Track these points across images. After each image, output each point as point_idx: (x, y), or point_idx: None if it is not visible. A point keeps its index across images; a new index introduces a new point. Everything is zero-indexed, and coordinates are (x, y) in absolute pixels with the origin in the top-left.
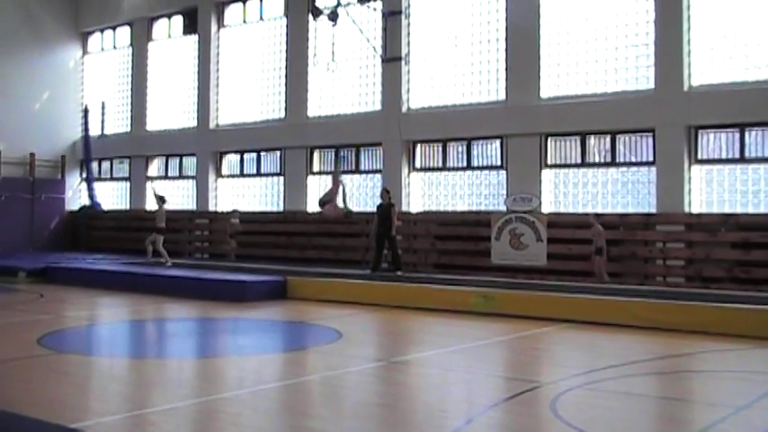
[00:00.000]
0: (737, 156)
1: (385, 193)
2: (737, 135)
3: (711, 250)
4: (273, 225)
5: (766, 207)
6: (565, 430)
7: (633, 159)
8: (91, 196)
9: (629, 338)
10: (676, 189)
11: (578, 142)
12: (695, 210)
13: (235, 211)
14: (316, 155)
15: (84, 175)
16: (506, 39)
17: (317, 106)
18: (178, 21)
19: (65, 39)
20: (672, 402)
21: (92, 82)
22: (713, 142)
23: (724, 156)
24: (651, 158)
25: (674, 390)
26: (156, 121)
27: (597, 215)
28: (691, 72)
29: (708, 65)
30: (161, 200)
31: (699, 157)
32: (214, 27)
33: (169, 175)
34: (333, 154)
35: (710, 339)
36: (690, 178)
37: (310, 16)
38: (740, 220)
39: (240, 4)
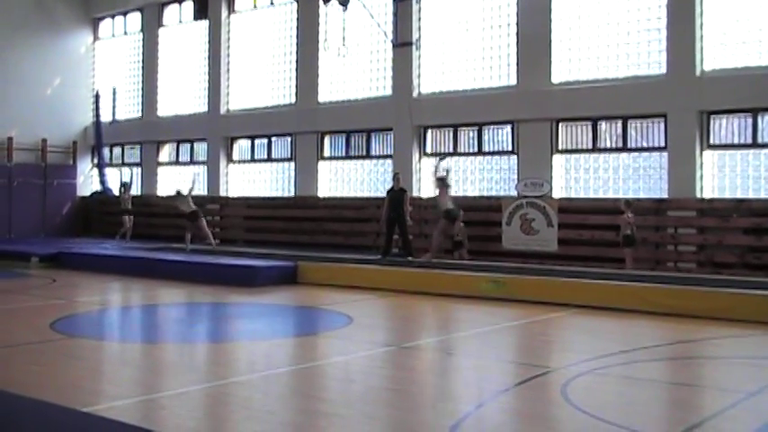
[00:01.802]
0: (750, 141)
1: (397, 178)
2: (750, 120)
3: (723, 236)
4: (284, 210)
5: None
6: (575, 415)
7: (645, 145)
8: (102, 182)
9: (640, 324)
10: (688, 174)
11: (590, 127)
12: (707, 195)
13: (126, 184)
14: (326, 140)
15: (96, 161)
16: (517, 23)
17: (328, 91)
18: (189, 6)
19: (76, 25)
20: (682, 388)
21: (103, 68)
22: (725, 127)
23: (736, 141)
24: (663, 144)
25: (685, 375)
26: (167, 107)
27: (628, 202)
28: (703, 57)
29: (720, 49)
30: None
31: (711, 142)
32: (225, 12)
33: (180, 160)
34: (343, 140)
35: (722, 325)
36: (702, 164)
37: (321, 1)
38: (752, 206)
39: None
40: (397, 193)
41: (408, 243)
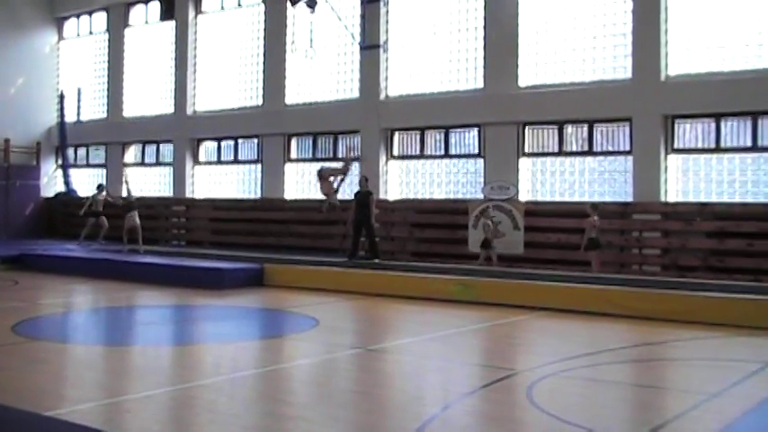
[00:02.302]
0: (713, 145)
1: (363, 180)
2: (713, 125)
3: (687, 239)
4: (250, 212)
5: (741, 196)
6: (540, 417)
7: (610, 148)
8: (66, 183)
9: (606, 326)
10: (653, 178)
11: (556, 131)
12: (671, 199)
13: (101, 186)
14: (293, 142)
15: (60, 162)
16: (485, 27)
17: (295, 93)
18: (155, 6)
19: (40, 24)
20: (646, 390)
21: (68, 68)
22: (689, 132)
23: (700, 145)
24: (628, 147)
25: (649, 377)
26: (132, 108)
27: (594, 205)
28: (668, 62)
29: (684, 55)
30: None
31: (675, 146)
32: (192, 13)
33: (146, 161)
34: (310, 142)
35: (685, 327)
36: (666, 167)
37: (288, 3)
38: (715, 210)
39: None
40: (365, 196)
41: (375, 245)
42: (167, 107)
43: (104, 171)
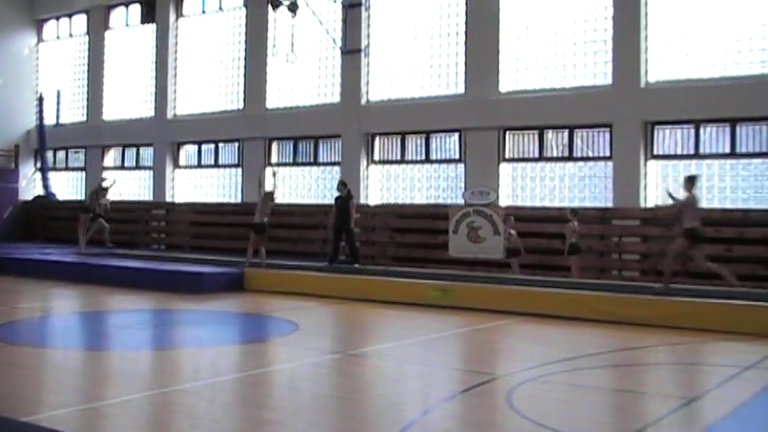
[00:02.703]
0: (692, 151)
1: (342, 185)
2: (693, 131)
3: (666, 245)
4: (231, 216)
5: (720, 202)
6: (520, 422)
7: (590, 154)
8: (45, 186)
9: (585, 331)
10: (632, 184)
11: (536, 136)
12: (651, 204)
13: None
14: (274, 146)
15: (39, 165)
16: (466, 32)
17: (276, 98)
18: (136, 9)
19: (19, 26)
20: (625, 394)
21: (47, 70)
22: (669, 138)
23: (679, 151)
24: (608, 153)
25: (628, 382)
26: (112, 111)
27: (574, 211)
28: (648, 68)
29: (664, 61)
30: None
31: (655, 152)
32: (172, 16)
33: (126, 165)
34: (291, 146)
35: (664, 333)
36: (646, 173)
37: (270, 7)
38: None
39: None
40: (345, 201)
41: (355, 250)
42: (148, 110)
43: (83, 174)
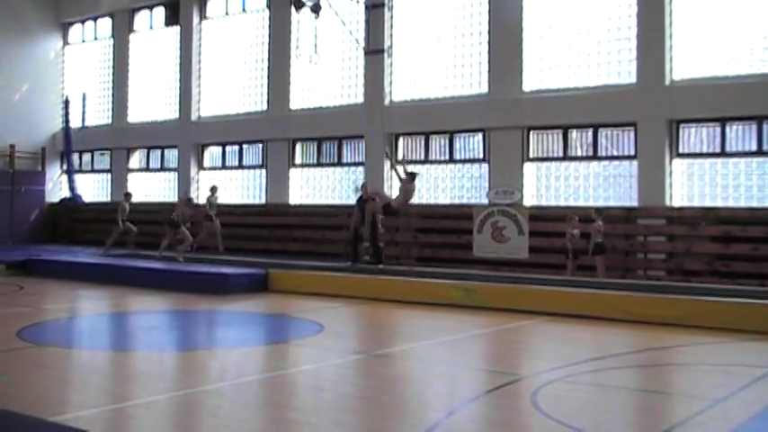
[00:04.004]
0: (718, 150)
1: (363, 187)
2: (718, 129)
3: (692, 244)
4: (255, 218)
5: (746, 201)
6: (545, 423)
7: (615, 153)
8: (71, 188)
9: (610, 331)
10: (657, 183)
11: (560, 136)
12: (676, 203)
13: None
14: (298, 147)
15: (65, 167)
16: (489, 32)
17: (300, 99)
18: (160, 12)
19: (45, 30)
20: (651, 395)
21: (72, 73)
22: (694, 136)
23: (705, 150)
24: (633, 152)
25: (654, 382)
26: (137, 113)
27: (599, 210)
28: (672, 66)
29: (689, 59)
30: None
31: (680, 150)
32: (196, 19)
33: (151, 167)
34: (315, 147)
35: (690, 332)
36: (671, 172)
37: (293, 8)
38: (720, 214)
39: None
40: (364, 203)
41: (379, 251)
42: (172, 112)
43: (109, 176)
